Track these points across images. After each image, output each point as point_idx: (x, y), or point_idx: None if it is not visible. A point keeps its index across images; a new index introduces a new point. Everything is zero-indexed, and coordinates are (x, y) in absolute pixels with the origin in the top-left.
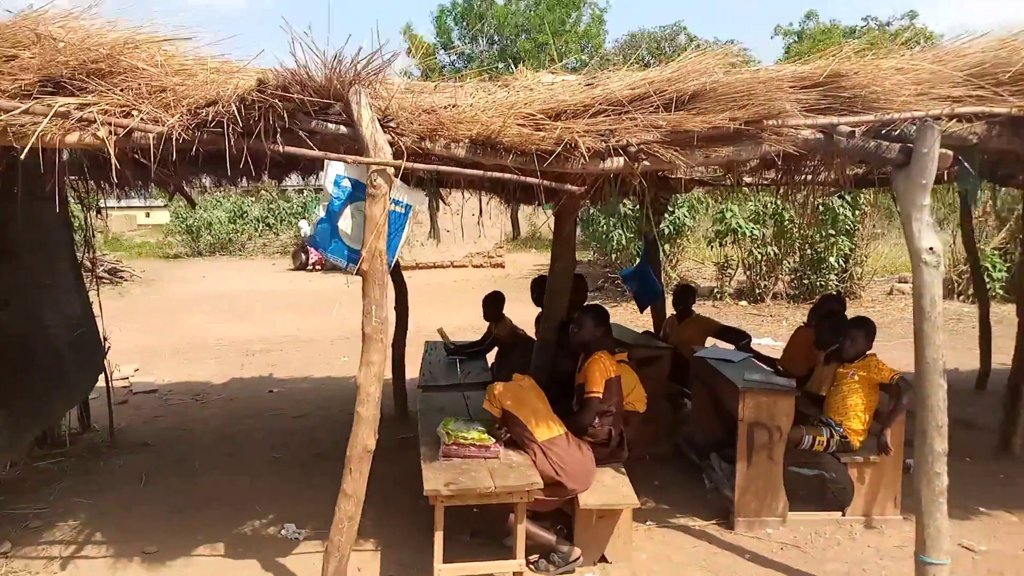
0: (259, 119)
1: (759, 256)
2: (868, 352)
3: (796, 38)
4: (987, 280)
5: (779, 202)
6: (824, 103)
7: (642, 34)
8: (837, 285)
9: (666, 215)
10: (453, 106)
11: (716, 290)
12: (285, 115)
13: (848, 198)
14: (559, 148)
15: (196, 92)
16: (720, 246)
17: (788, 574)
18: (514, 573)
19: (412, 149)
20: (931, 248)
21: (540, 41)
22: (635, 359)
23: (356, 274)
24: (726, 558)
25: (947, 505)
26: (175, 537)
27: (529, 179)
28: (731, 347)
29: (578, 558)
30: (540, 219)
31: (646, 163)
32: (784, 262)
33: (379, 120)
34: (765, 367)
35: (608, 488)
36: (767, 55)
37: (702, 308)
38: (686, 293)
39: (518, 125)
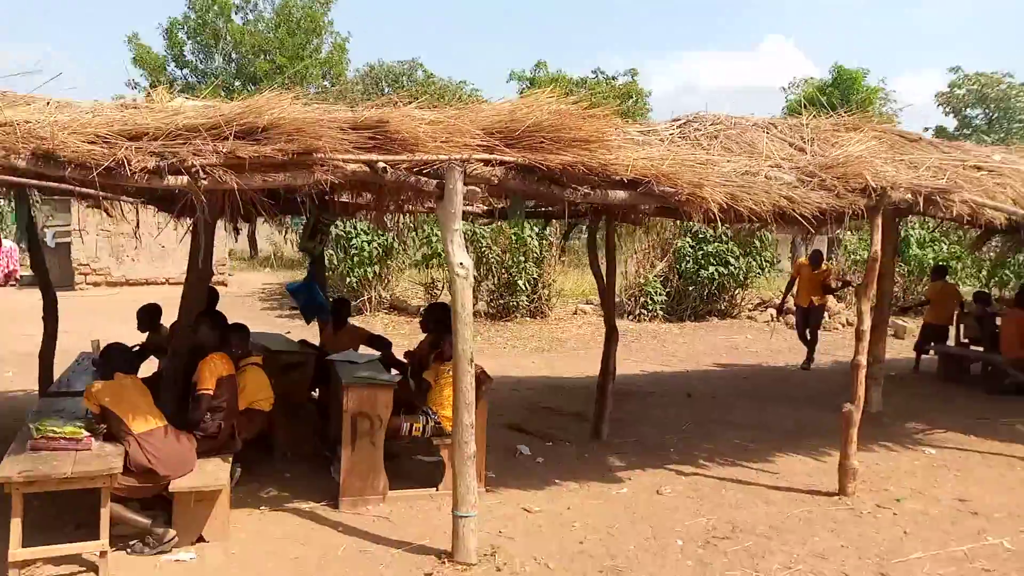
0: None
1: None
2: None
3: (529, 83)
4: (650, 303)
5: (476, 229)
6: (371, 143)
7: (381, 66)
8: (527, 305)
9: (374, 237)
10: (26, 122)
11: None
12: None
13: (535, 230)
14: (110, 163)
15: None
16: (427, 268)
17: (372, 540)
18: (100, 552)
19: None
20: (462, 263)
21: (279, 63)
22: (281, 364)
23: None
24: (323, 532)
25: (535, 478)
26: None
27: (87, 190)
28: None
29: (173, 538)
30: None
31: (204, 182)
32: (483, 284)
33: None
34: (383, 366)
35: (206, 474)
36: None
37: (411, 326)
38: (341, 306)
39: (86, 142)
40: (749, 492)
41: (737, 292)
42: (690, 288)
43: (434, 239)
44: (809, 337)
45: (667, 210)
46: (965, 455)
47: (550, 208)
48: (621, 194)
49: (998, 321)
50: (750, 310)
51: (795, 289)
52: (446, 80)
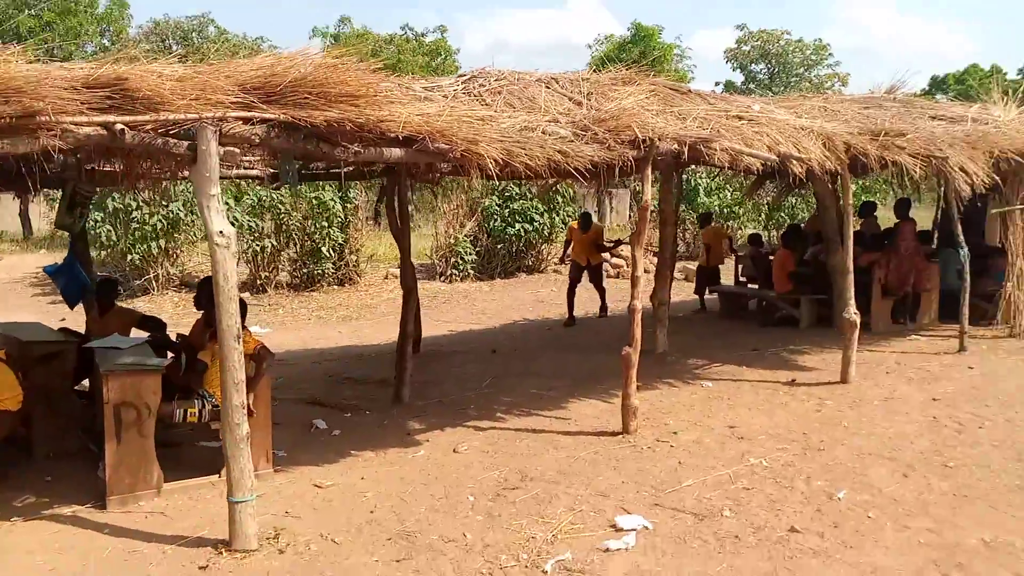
0: None
1: (258, 248)
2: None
3: (334, 40)
4: (461, 263)
5: (275, 195)
6: (109, 104)
7: (168, 22)
8: (334, 272)
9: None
10: None
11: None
12: None
13: (339, 193)
14: None
15: None
16: None
17: (143, 538)
18: None
19: None
20: (221, 231)
21: (46, 19)
22: (36, 356)
23: None
24: (86, 536)
25: (330, 451)
26: None
27: None
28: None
29: None
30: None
31: None
32: (283, 253)
33: None
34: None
35: None
36: None
37: None
38: (108, 287)
39: None
40: (542, 440)
41: (544, 247)
42: (499, 246)
43: (224, 207)
44: (598, 292)
45: (462, 168)
46: (737, 385)
47: (342, 170)
48: (397, 152)
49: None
50: (555, 264)
51: (570, 249)
52: (240, 37)
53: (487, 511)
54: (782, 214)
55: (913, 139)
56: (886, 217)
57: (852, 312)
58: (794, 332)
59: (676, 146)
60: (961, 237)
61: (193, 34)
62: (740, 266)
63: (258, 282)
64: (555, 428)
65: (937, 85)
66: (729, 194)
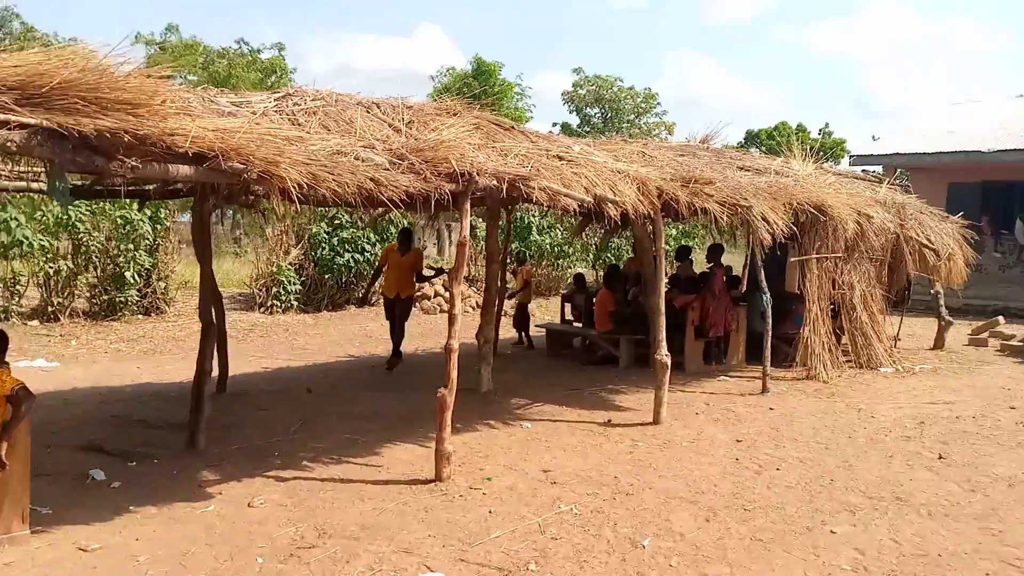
0: None
1: (50, 271)
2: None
3: (159, 48)
4: (283, 293)
5: (75, 212)
6: None
7: None
8: (139, 300)
9: None
10: None
11: (1, 309)
12: None
13: (148, 213)
14: None
15: None
16: (6, 259)
17: None
18: None
19: None
20: None
21: None
22: None
23: None
24: None
25: (105, 508)
26: None
27: None
28: None
29: None
30: None
31: None
32: (80, 277)
33: None
34: None
35: None
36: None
37: None
38: None
39: None
40: (347, 491)
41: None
42: (326, 276)
43: (13, 224)
44: (397, 334)
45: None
46: (555, 426)
47: (146, 187)
48: (185, 169)
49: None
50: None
51: (381, 278)
52: (50, 35)
53: (277, 574)
54: (608, 255)
55: (721, 187)
56: (702, 261)
57: (663, 354)
58: (614, 371)
59: (495, 182)
60: (764, 283)
61: None
62: (568, 304)
63: (50, 309)
64: (365, 477)
65: (751, 139)
66: (560, 233)
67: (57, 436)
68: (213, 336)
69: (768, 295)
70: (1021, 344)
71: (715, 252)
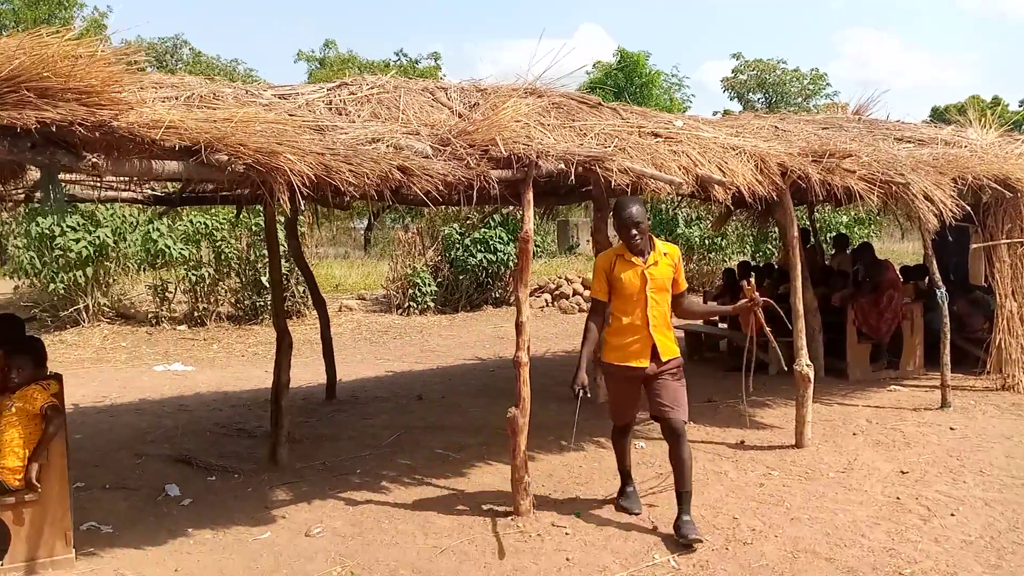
0: None
1: (194, 278)
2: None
3: (319, 64)
4: (419, 294)
5: (213, 220)
6: None
7: (141, 43)
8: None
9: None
10: None
11: (152, 315)
12: None
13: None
14: None
15: None
16: (152, 268)
17: None
18: None
19: None
20: None
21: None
22: None
23: None
24: None
25: (163, 529)
26: None
27: None
28: None
29: None
30: None
31: None
32: (221, 284)
33: None
34: None
35: None
36: (293, 79)
37: (135, 336)
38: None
39: None
40: (415, 521)
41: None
42: (461, 277)
43: (155, 235)
44: None
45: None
46: None
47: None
48: (172, 165)
49: None
50: None
51: None
52: (214, 58)
53: None
54: (769, 246)
55: (866, 161)
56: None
57: (804, 364)
58: (762, 380)
59: (563, 165)
60: (937, 275)
61: (167, 56)
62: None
63: (196, 314)
64: (439, 505)
65: (938, 115)
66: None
67: (152, 445)
68: (288, 346)
69: (943, 289)
70: None
71: (865, 249)
